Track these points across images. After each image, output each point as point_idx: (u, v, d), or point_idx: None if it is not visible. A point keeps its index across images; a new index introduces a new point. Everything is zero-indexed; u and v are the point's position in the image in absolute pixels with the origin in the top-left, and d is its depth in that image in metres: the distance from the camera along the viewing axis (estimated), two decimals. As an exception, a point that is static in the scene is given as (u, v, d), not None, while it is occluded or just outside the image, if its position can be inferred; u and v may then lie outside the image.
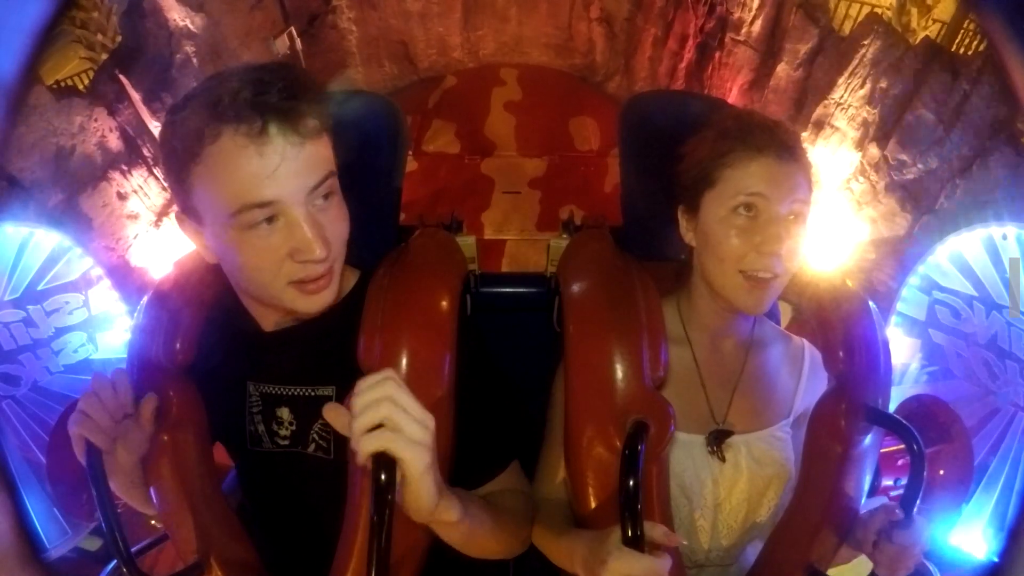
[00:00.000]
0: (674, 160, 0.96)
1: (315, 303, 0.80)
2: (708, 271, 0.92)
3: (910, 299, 1.98)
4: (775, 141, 0.88)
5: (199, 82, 0.77)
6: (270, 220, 0.74)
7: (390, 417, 0.61)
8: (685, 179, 0.94)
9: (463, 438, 0.87)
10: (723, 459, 0.96)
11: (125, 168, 2.68)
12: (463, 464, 0.88)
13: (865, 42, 2.75)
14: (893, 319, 2.01)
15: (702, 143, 0.92)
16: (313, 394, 0.90)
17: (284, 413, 0.91)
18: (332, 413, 0.65)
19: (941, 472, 1.71)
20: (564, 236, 1.14)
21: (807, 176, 0.90)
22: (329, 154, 0.78)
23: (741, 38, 3.56)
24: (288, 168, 0.72)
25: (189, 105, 0.73)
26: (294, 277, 0.77)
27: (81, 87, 2.69)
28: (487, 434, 0.92)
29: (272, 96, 0.70)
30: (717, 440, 0.96)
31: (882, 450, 0.94)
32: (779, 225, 0.86)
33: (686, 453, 0.95)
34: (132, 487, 0.89)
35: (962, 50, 2.79)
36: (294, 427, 0.91)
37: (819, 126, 3.01)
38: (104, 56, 2.73)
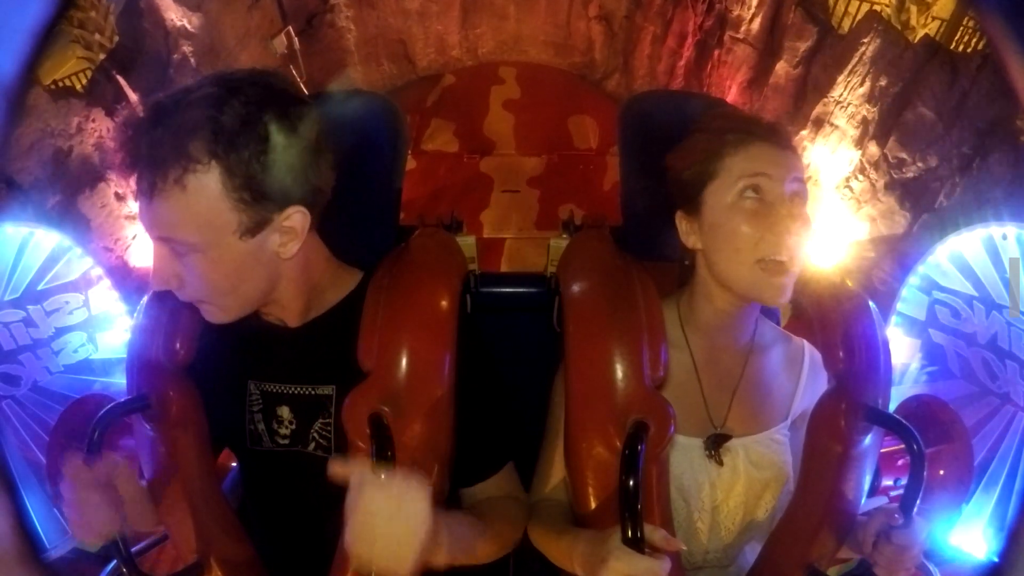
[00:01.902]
0: (666, 169, 0.96)
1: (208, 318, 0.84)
2: (723, 268, 0.92)
3: (910, 299, 1.98)
4: (763, 128, 0.91)
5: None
6: None
7: (383, 536, 0.66)
8: (682, 181, 0.94)
9: (459, 437, 0.88)
10: (721, 463, 0.96)
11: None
12: (458, 463, 0.88)
13: (864, 40, 2.74)
14: (893, 319, 2.01)
15: (693, 146, 0.93)
16: (313, 393, 0.90)
17: (284, 412, 0.91)
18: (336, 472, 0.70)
19: (941, 472, 1.70)
20: (564, 236, 1.14)
21: (799, 160, 0.92)
22: (186, 217, 0.76)
23: (740, 36, 3.56)
24: (149, 210, 0.77)
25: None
26: None
27: (79, 87, 2.68)
28: (483, 435, 0.92)
29: (150, 142, 0.75)
30: (715, 444, 0.96)
31: (882, 450, 0.94)
32: (786, 204, 0.87)
33: (684, 456, 0.95)
34: (145, 513, 0.90)
35: (961, 48, 2.79)
36: (294, 426, 0.91)
37: (818, 124, 3.01)
38: (102, 56, 2.72)
